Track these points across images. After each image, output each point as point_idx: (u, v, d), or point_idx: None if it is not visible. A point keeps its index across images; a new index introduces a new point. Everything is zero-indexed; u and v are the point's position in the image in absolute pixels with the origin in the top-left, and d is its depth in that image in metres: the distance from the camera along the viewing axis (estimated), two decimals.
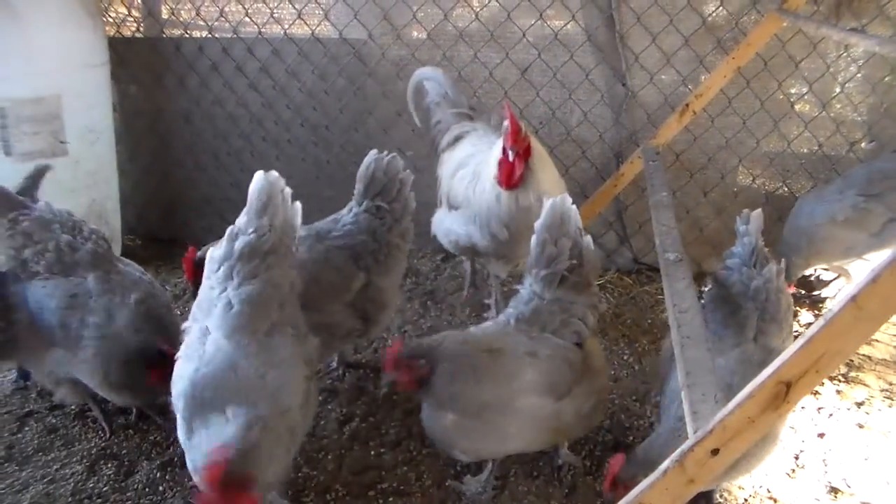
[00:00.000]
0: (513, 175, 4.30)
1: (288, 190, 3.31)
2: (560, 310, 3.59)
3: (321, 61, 6.14)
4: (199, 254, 4.11)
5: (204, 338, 3.12)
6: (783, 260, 3.77)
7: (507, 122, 4.21)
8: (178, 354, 3.20)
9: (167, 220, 6.75)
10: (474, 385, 3.36)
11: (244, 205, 6.48)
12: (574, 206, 3.67)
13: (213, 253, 3.25)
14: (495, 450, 3.62)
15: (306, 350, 3.35)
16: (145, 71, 6.38)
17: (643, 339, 5.21)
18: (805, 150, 5.93)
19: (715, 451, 2.40)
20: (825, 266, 5.52)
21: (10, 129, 5.23)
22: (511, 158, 4.26)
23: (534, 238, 3.68)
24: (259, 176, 3.24)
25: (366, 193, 4.33)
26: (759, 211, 3.75)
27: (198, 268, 3.83)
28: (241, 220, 3.23)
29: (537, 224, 3.67)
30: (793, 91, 5.84)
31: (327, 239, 4.25)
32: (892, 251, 2.05)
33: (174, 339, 3.71)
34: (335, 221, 4.36)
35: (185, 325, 3.35)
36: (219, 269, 3.19)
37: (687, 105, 5.35)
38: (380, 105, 6.16)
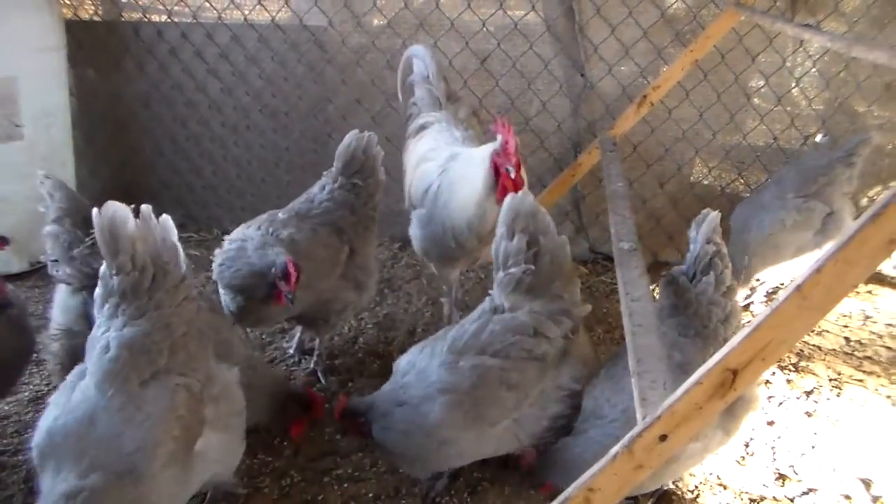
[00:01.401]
0: (518, 189, 3.96)
1: (146, 208, 2.85)
2: (504, 329, 3.40)
3: (281, 47, 6.11)
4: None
5: (77, 381, 2.80)
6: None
7: (500, 139, 4.01)
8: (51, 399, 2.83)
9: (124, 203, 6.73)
10: (405, 437, 3.35)
11: (202, 190, 6.53)
12: (539, 206, 3.54)
13: (97, 291, 2.88)
14: (445, 468, 3.66)
15: (196, 401, 2.87)
16: (103, 55, 6.30)
17: (598, 328, 5.24)
18: (761, 143, 6.01)
19: (663, 437, 2.44)
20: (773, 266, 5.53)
21: None
22: (513, 176, 4.04)
23: (495, 238, 3.57)
24: (94, 215, 2.77)
25: (344, 171, 4.39)
26: (714, 214, 3.56)
27: None
28: (103, 265, 2.84)
29: (498, 222, 3.55)
30: (750, 84, 5.91)
31: (309, 217, 4.30)
32: (834, 243, 2.10)
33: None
34: (309, 201, 4.41)
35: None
36: (104, 306, 2.85)
37: (645, 96, 5.39)
38: (339, 92, 6.15)
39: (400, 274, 5.97)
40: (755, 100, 5.98)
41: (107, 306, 2.82)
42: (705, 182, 6.14)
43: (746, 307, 5.62)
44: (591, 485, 2.56)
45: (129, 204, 3.87)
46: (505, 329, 3.39)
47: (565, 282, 3.55)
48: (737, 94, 5.83)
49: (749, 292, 5.62)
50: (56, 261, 3.78)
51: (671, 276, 3.65)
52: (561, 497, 2.61)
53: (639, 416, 2.56)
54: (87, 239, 3.71)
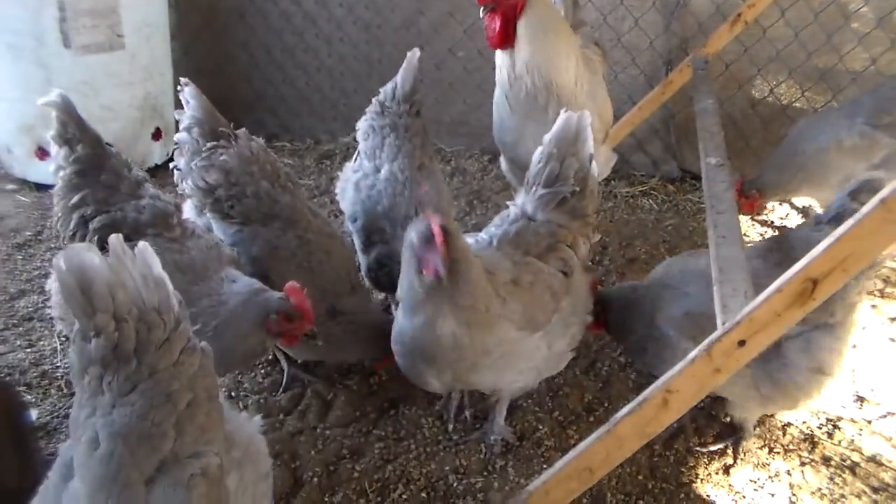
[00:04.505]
0: (488, 33, 3.91)
1: (115, 238, 2.11)
2: (548, 233, 3.29)
3: None
4: None
5: (62, 484, 2.18)
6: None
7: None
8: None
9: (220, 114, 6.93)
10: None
11: (295, 102, 6.65)
12: (590, 131, 3.35)
13: (71, 357, 2.21)
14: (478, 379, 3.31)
15: (217, 484, 2.20)
16: None
17: (683, 245, 5.29)
18: (858, 66, 5.86)
19: (742, 343, 2.50)
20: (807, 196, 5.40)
21: (70, 22, 5.35)
22: (481, 15, 3.89)
23: (538, 150, 3.39)
24: (55, 267, 2.08)
25: (410, 94, 4.20)
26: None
27: None
28: (76, 325, 2.11)
29: (547, 135, 3.36)
30: (849, 6, 5.76)
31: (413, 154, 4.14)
32: None
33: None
34: (402, 141, 4.12)
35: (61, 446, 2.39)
36: (83, 378, 2.14)
37: (739, 15, 5.32)
38: (432, 5, 6.19)
39: (489, 185, 6.04)
40: (853, 23, 5.83)
41: (87, 379, 2.14)
42: (797, 104, 6.04)
43: None
44: (669, 386, 2.64)
45: (224, 114, 3.97)
46: (548, 233, 3.29)
47: (595, 206, 3.49)
48: (835, 14, 5.68)
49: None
50: (179, 170, 3.85)
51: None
52: (639, 398, 2.70)
53: (719, 321, 2.62)
54: (203, 151, 3.76)
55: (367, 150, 4.19)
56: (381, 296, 4.50)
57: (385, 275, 3.91)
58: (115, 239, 2.10)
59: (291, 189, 3.84)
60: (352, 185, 4.15)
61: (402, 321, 3.11)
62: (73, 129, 3.44)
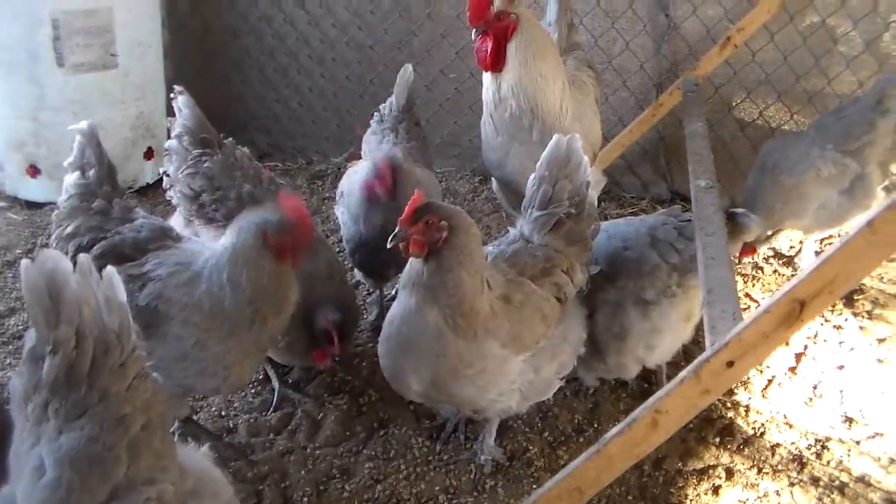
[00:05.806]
0: (480, 55, 3.96)
1: (84, 258, 2.01)
2: (544, 257, 3.31)
3: None
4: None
5: None
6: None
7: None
8: None
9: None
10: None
11: (287, 121, 6.66)
12: (585, 156, 3.41)
13: (13, 384, 2.05)
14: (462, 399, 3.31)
15: None
16: None
17: None
18: (846, 90, 5.89)
19: (730, 364, 2.51)
20: (790, 229, 5.35)
21: (64, 41, 5.38)
22: (473, 38, 3.94)
23: (532, 175, 3.44)
24: (25, 267, 1.92)
25: (407, 106, 4.49)
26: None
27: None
28: (30, 336, 1.99)
29: (539, 159, 3.41)
30: (838, 29, 5.78)
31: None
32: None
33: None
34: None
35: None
36: (26, 405, 1.99)
37: (728, 38, 5.37)
38: (425, 26, 6.22)
39: (480, 207, 6.05)
40: (841, 47, 5.84)
41: (30, 407, 1.98)
42: (786, 127, 6.07)
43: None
44: (659, 407, 2.64)
45: (219, 132, 4.02)
46: (544, 257, 3.31)
47: (593, 233, 3.54)
48: (823, 38, 5.71)
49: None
50: (168, 176, 3.90)
51: None
52: (629, 418, 2.70)
53: (708, 343, 2.63)
54: (189, 159, 3.81)
55: (369, 152, 4.39)
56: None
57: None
58: (83, 258, 2.00)
59: (275, 191, 3.86)
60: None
61: (394, 308, 3.14)
62: (91, 156, 3.45)
